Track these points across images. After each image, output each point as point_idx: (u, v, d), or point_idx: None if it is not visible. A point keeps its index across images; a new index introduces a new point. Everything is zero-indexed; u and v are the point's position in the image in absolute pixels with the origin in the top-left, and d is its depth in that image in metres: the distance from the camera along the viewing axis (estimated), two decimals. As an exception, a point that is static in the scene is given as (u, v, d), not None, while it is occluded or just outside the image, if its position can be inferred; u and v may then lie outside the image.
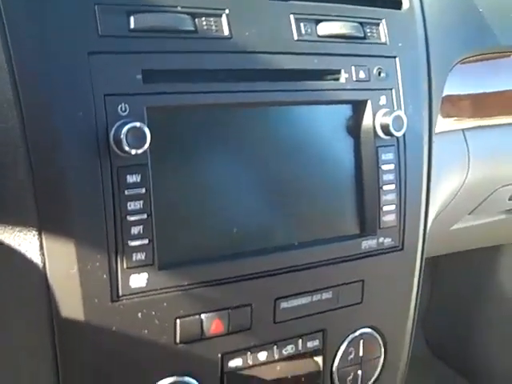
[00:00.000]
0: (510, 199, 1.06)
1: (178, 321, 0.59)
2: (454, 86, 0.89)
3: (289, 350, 0.67)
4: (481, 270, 1.79)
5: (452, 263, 1.87)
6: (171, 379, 0.61)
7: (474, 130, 0.94)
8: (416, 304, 0.76)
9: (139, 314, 0.57)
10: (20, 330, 0.59)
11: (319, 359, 0.69)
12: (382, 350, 0.74)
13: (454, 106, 0.93)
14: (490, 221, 1.14)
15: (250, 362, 0.65)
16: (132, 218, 0.56)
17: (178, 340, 0.60)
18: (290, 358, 0.68)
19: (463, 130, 0.93)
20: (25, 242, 0.55)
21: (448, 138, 0.90)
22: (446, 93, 0.85)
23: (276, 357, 0.66)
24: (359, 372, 0.73)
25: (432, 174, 0.77)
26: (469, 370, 1.89)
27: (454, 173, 0.91)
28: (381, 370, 0.75)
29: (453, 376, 1.90)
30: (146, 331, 0.58)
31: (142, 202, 0.56)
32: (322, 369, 0.69)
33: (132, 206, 0.56)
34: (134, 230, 0.56)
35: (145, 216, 0.56)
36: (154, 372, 0.60)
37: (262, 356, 0.65)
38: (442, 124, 0.88)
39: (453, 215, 1.02)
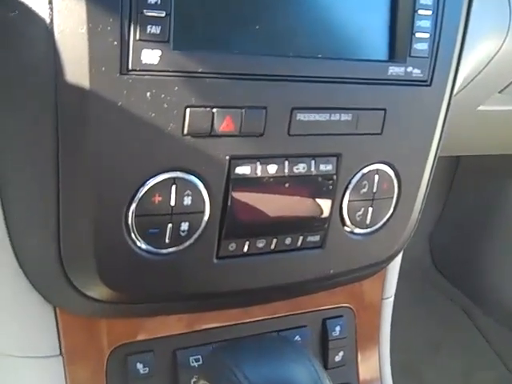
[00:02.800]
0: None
1: (187, 110, 0.56)
2: None
3: (300, 168, 0.64)
4: (499, 187, 1.75)
5: (470, 176, 1.83)
6: (176, 174, 0.58)
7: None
8: (437, 151, 0.73)
9: (148, 94, 0.54)
10: (21, 97, 0.56)
11: (331, 186, 0.66)
12: (396, 190, 0.70)
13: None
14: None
15: (259, 173, 0.61)
16: None
17: (185, 131, 0.56)
18: (301, 179, 0.64)
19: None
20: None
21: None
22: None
23: (286, 172, 0.63)
24: (370, 209, 0.70)
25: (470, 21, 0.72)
26: (471, 289, 1.87)
27: (492, 33, 0.86)
28: (392, 212, 0.71)
29: (453, 292, 1.89)
30: (153, 114, 0.55)
31: None
32: (332, 196, 0.66)
33: None
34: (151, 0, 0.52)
35: None
36: (158, 162, 0.57)
37: (272, 169, 0.62)
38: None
39: (482, 90, 0.98)
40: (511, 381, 1.74)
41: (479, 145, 1.23)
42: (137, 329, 0.67)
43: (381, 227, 0.71)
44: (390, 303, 0.84)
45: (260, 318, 0.74)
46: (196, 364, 0.68)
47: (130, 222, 0.57)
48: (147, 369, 0.66)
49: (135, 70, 0.53)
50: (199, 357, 0.69)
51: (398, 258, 0.81)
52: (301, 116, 0.61)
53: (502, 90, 0.98)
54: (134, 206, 0.56)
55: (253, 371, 0.49)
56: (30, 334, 0.64)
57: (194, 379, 0.67)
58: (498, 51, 0.87)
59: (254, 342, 0.57)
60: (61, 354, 0.64)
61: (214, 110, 0.57)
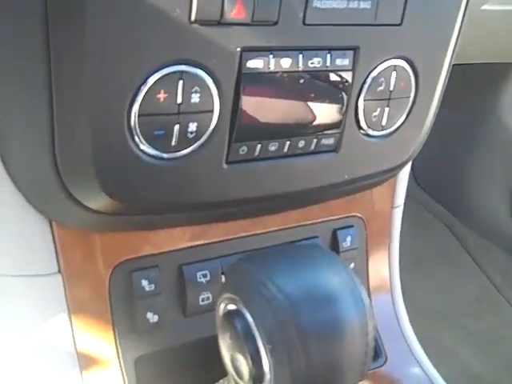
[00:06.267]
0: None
1: None
2: None
3: (315, 63, 0.58)
4: (485, 101, 1.72)
5: (455, 90, 1.79)
6: (183, 67, 0.51)
7: None
8: (455, 47, 0.67)
9: None
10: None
11: (347, 82, 0.60)
12: (413, 89, 0.65)
13: None
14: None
15: (272, 67, 0.55)
16: None
17: (193, 17, 0.49)
18: (316, 75, 0.58)
19: None
20: None
21: None
22: None
23: (300, 67, 0.57)
24: (386, 109, 0.64)
25: None
26: (453, 204, 1.87)
27: None
28: (408, 113, 0.66)
29: (436, 208, 1.88)
30: (154, -3, 0.47)
31: None
32: (349, 94, 0.60)
33: None
34: None
35: None
36: (163, 53, 0.50)
37: (286, 63, 0.56)
38: None
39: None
40: (493, 292, 1.75)
41: (479, 51, 1.16)
42: (140, 243, 0.61)
43: (397, 129, 0.66)
44: (400, 212, 0.80)
45: (270, 230, 0.69)
46: (204, 280, 0.64)
47: (132, 122, 0.51)
48: (153, 286, 0.61)
49: None
50: (206, 272, 0.64)
51: (408, 166, 0.77)
52: (317, 2, 0.55)
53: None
54: (136, 104, 0.50)
55: (286, 281, 0.44)
56: (25, 252, 0.58)
57: (203, 295, 0.63)
58: None
59: (281, 250, 0.52)
60: (59, 271, 0.59)
61: None
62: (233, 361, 0.46)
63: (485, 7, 0.97)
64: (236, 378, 0.46)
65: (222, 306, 0.47)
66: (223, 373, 0.57)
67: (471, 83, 1.68)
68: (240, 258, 0.47)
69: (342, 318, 0.45)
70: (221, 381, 0.57)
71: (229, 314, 0.45)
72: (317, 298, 0.44)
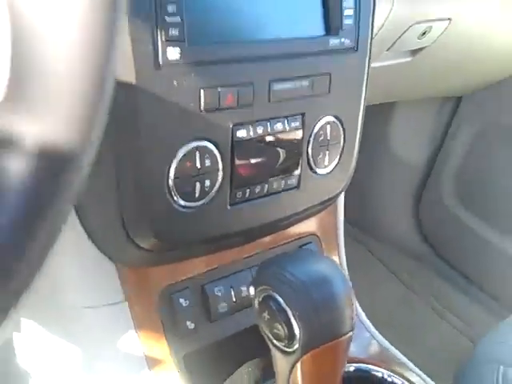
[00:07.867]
0: (418, 38, 1.26)
1: (202, 91, 0.72)
2: None
3: (278, 127, 0.82)
4: (379, 132, 2.01)
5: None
6: (195, 143, 0.74)
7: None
8: (364, 103, 0.94)
9: (175, 82, 0.70)
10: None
11: (300, 137, 0.85)
12: (342, 136, 0.91)
13: None
14: (400, 62, 1.33)
15: (252, 134, 0.79)
16: None
17: (202, 107, 0.73)
18: (280, 135, 0.83)
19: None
20: None
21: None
22: None
23: (269, 131, 0.81)
24: (326, 152, 0.90)
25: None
26: (367, 226, 2.13)
27: (383, 4, 1.08)
28: (340, 153, 0.92)
29: (354, 232, 2.14)
30: (179, 97, 0.71)
31: None
32: (301, 145, 0.86)
33: None
34: (169, 8, 0.69)
35: None
36: (184, 135, 0.73)
37: (260, 130, 0.80)
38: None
39: (376, 49, 1.20)
40: (407, 292, 2.04)
41: (371, 97, 1.46)
42: (174, 272, 0.84)
43: (335, 167, 0.92)
44: (342, 227, 1.06)
45: (255, 252, 0.93)
46: (220, 293, 0.87)
47: (170, 184, 0.73)
48: (188, 302, 0.84)
49: (164, 65, 0.69)
50: (221, 287, 0.87)
51: (343, 192, 1.03)
52: (276, 86, 0.80)
53: (390, 48, 1.21)
54: (172, 171, 0.73)
55: (295, 270, 0.69)
56: (100, 288, 0.79)
57: (221, 304, 0.86)
58: (386, 18, 1.10)
59: (288, 254, 0.76)
60: (126, 299, 0.80)
61: (219, 88, 0.74)
62: (271, 330, 0.69)
63: (372, 65, 1.26)
64: (275, 342, 0.69)
65: (257, 297, 0.70)
66: (244, 360, 0.81)
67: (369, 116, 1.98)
68: (264, 262, 0.71)
69: (337, 293, 0.70)
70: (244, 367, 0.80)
71: (264, 299, 0.69)
72: (319, 280, 0.68)
